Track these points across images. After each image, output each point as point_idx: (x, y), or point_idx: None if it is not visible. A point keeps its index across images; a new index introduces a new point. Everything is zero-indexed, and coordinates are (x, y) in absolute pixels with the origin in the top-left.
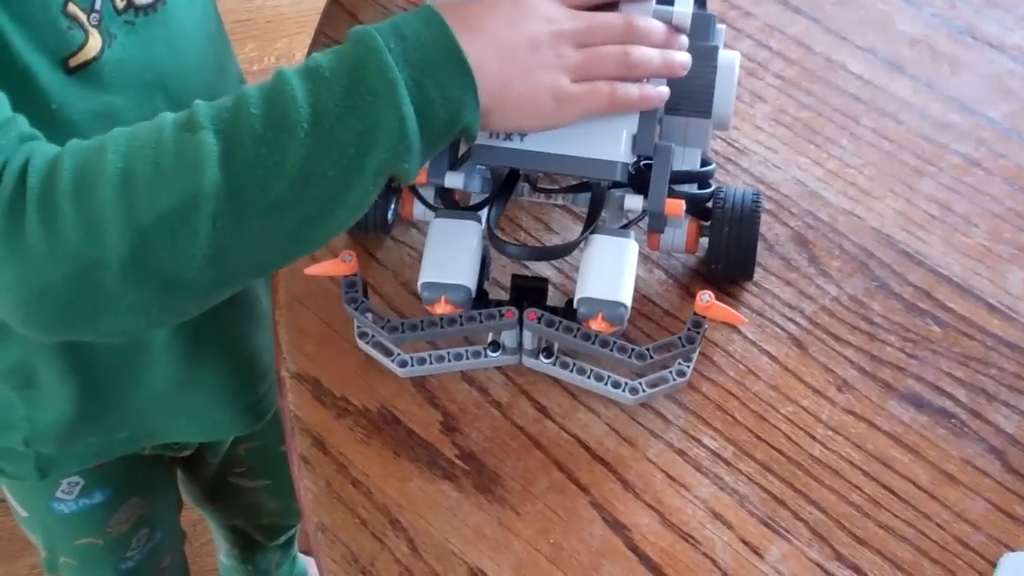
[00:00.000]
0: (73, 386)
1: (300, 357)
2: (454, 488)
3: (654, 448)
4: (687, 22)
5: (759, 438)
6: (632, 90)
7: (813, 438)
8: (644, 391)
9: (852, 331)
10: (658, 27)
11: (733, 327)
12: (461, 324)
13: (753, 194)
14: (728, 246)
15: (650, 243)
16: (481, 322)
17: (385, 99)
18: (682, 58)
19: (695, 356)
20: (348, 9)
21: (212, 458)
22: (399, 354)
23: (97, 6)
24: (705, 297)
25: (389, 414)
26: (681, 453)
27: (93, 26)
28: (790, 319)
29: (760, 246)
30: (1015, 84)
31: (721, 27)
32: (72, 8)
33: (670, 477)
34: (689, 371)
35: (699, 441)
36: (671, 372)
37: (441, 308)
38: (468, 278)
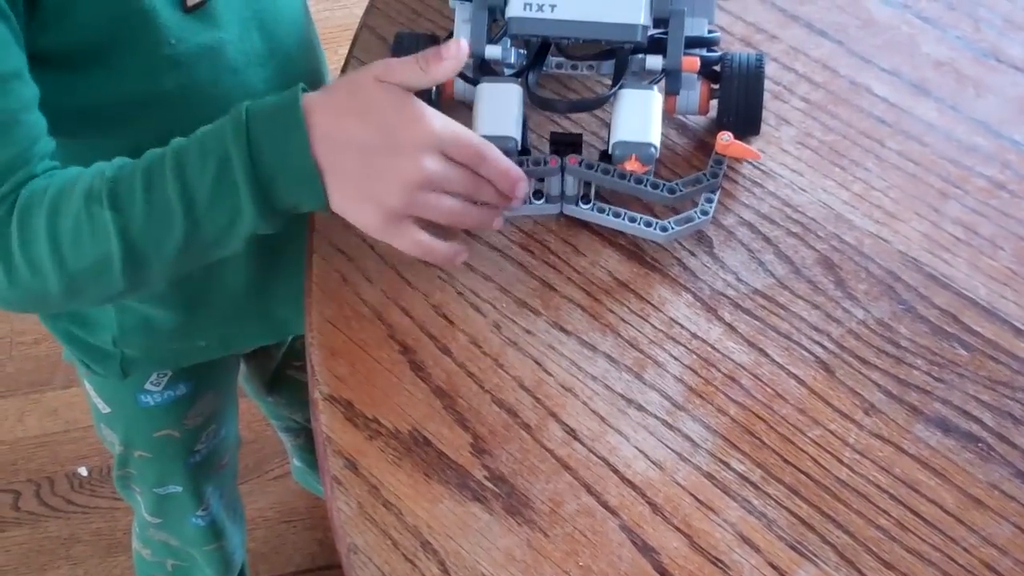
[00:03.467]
0: (162, 297)
1: (332, 379)
2: (484, 510)
3: (682, 471)
4: None
5: (787, 461)
6: (440, 247)
7: (840, 462)
8: (673, 228)
9: (879, 354)
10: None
11: (761, 350)
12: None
13: (756, 57)
14: (738, 101)
15: (667, 106)
16: (528, 167)
17: (236, 198)
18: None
19: (716, 194)
20: (379, 34)
21: (275, 350)
22: None
23: None
24: (725, 137)
25: (420, 436)
26: (709, 476)
27: None
28: (817, 342)
29: (786, 269)
30: None
31: None
32: None
33: (698, 500)
34: (711, 209)
35: (727, 464)
36: (696, 211)
37: None
38: (514, 130)
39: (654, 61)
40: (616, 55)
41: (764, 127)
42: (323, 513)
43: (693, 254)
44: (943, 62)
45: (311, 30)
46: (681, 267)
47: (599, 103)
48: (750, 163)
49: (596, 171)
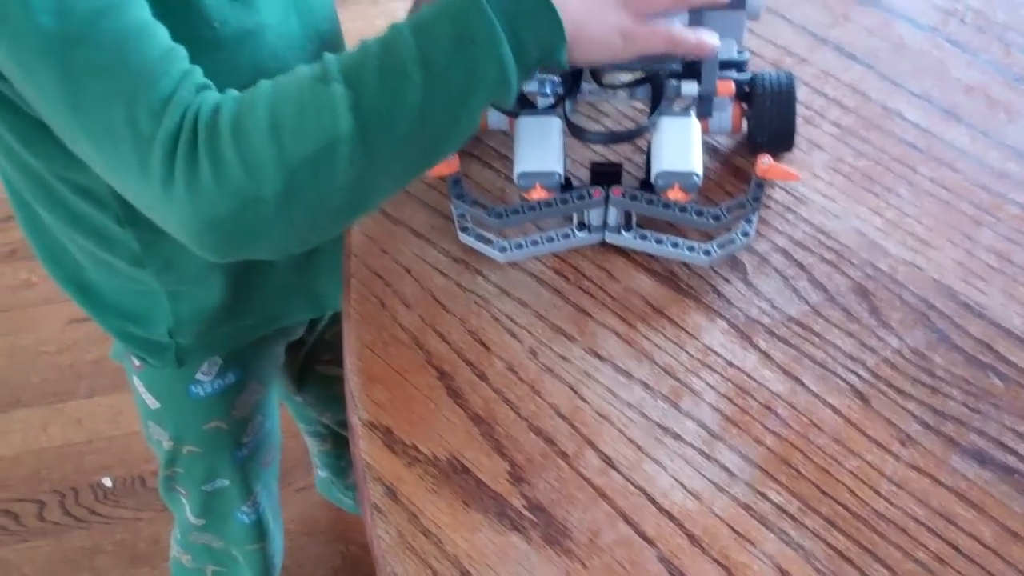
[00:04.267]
0: (216, 279)
1: (371, 405)
2: (522, 539)
3: (720, 502)
4: None
5: (824, 493)
6: (689, 34)
7: (878, 493)
8: (716, 252)
9: (914, 384)
10: None
11: (797, 378)
12: (555, 205)
13: (787, 75)
14: (771, 120)
15: (702, 128)
16: (573, 202)
17: (486, 47)
18: None
19: (756, 216)
20: None
21: (308, 336)
22: (498, 242)
23: None
24: (765, 161)
25: (458, 463)
26: (747, 507)
27: None
28: (852, 371)
29: (821, 296)
30: None
31: None
32: None
33: (736, 532)
34: (752, 230)
35: (764, 495)
36: (736, 234)
37: (537, 193)
38: (557, 165)
39: (689, 87)
40: (652, 82)
41: (796, 152)
42: (346, 526)
43: (727, 280)
44: (974, 87)
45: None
46: (715, 294)
47: (639, 133)
48: (783, 188)
49: (640, 201)
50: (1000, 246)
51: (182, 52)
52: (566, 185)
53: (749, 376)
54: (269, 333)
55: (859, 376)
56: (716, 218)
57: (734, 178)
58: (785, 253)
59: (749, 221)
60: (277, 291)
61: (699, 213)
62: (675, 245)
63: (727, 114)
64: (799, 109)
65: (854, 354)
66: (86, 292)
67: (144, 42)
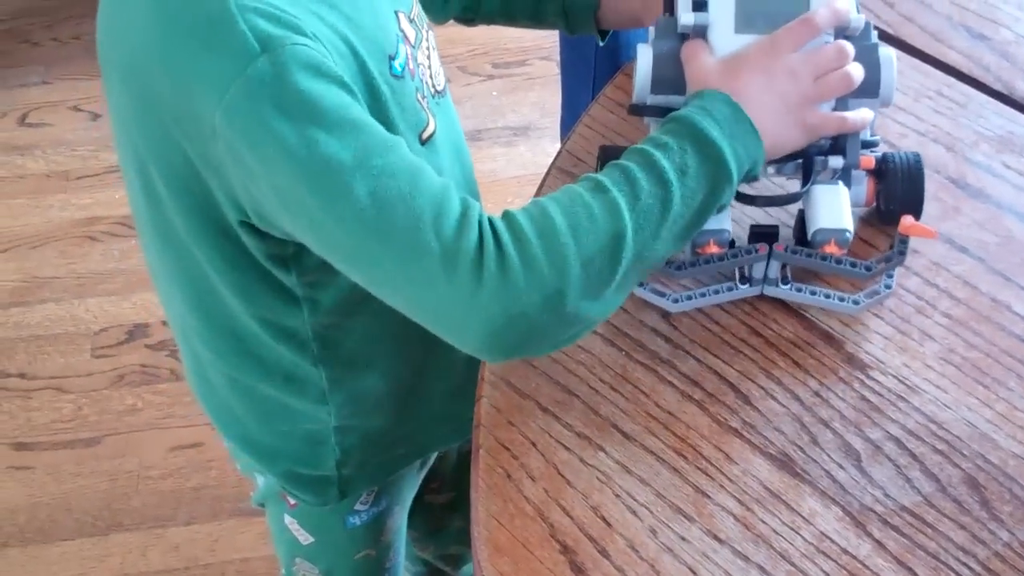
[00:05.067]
0: (383, 408)
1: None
2: None
3: None
4: (860, 26)
5: None
6: (854, 115)
7: None
8: (863, 301)
9: None
10: (850, 47)
11: (910, 569)
12: (727, 260)
13: (915, 155)
14: (902, 191)
15: None
16: (742, 255)
17: (722, 163)
18: (857, 72)
19: (896, 270)
20: None
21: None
22: (670, 295)
23: (424, 93)
24: (908, 219)
25: None
26: None
27: (426, 108)
28: (964, 563)
29: (932, 487)
30: None
31: (873, 30)
32: (419, 96)
33: None
34: (893, 282)
35: None
36: (880, 285)
37: (711, 248)
38: (727, 224)
39: (836, 161)
40: (803, 157)
41: (909, 342)
42: None
43: (841, 467)
44: None
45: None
46: (830, 479)
47: (794, 199)
48: (895, 376)
49: (800, 255)
50: None
51: (450, 182)
52: (731, 244)
53: (863, 564)
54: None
55: (971, 569)
56: (868, 268)
57: (871, 237)
58: (898, 442)
59: (890, 275)
60: (434, 419)
61: (853, 264)
62: (827, 296)
63: (863, 188)
64: (911, 299)
65: (966, 546)
66: (252, 444)
67: (425, 170)
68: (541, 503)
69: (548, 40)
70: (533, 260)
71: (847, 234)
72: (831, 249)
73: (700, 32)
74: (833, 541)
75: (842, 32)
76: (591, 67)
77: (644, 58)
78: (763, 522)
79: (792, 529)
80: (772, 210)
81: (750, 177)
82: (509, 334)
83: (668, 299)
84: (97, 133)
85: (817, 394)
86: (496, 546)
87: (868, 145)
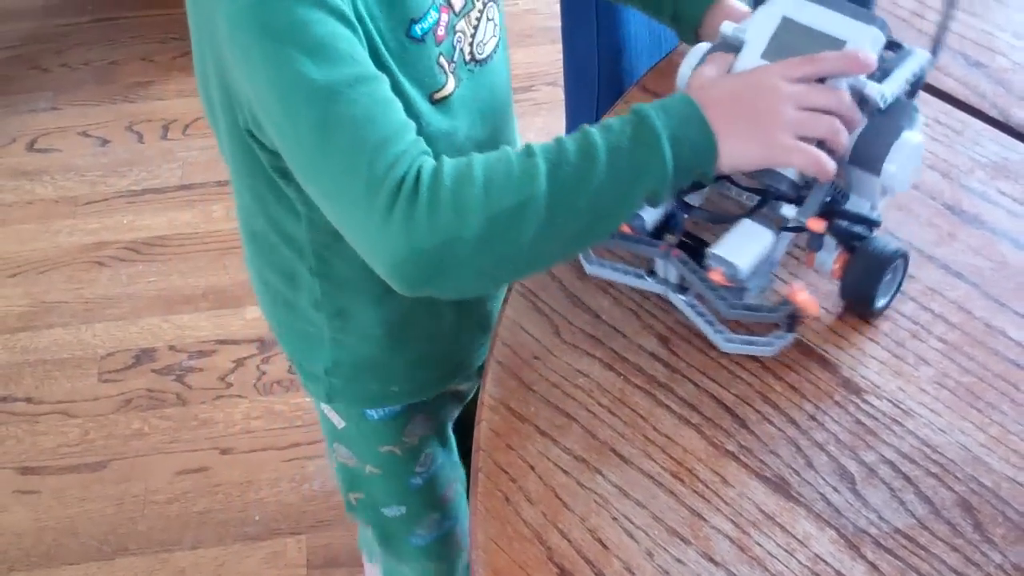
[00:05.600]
0: (374, 342)
1: None
2: None
3: None
4: (880, 98)
5: None
6: (825, 161)
7: None
8: (735, 343)
9: None
10: (855, 107)
11: None
12: (628, 241)
13: (898, 249)
14: (858, 277)
15: (807, 260)
16: (643, 245)
17: (656, 147)
18: (841, 135)
19: (791, 336)
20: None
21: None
22: (593, 256)
23: (455, 58)
24: (798, 285)
25: None
26: None
27: (450, 72)
28: None
29: (926, 510)
30: None
31: (919, 117)
32: (441, 60)
33: None
34: (776, 347)
35: None
36: (760, 339)
37: (623, 228)
38: (648, 215)
39: (788, 209)
40: (763, 193)
41: (904, 366)
42: None
43: (836, 490)
44: None
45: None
46: (825, 502)
47: (723, 221)
48: (890, 400)
49: (688, 267)
50: None
51: (413, 125)
52: (656, 237)
53: None
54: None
55: None
56: (731, 306)
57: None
58: (892, 465)
59: (780, 338)
60: (423, 362)
61: (722, 298)
62: (709, 322)
63: (831, 257)
64: (906, 324)
65: (959, 569)
66: (274, 327)
67: (390, 109)
68: (539, 526)
69: (554, 66)
70: (439, 204)
71: (734, 269)
72: (716, 276)
73: (734, 47)
74: (827, 563)
75: (857, 95)
76: (595, 93)
77: (682, 71)
78: (758, 544)
79: (787, 552)
80: None
81: (702, 178)
82: (410, 267)
83: (586, 259)
84: (105, 159)
85: (813, 417)
86: (495, 569)
87: (867, 222)
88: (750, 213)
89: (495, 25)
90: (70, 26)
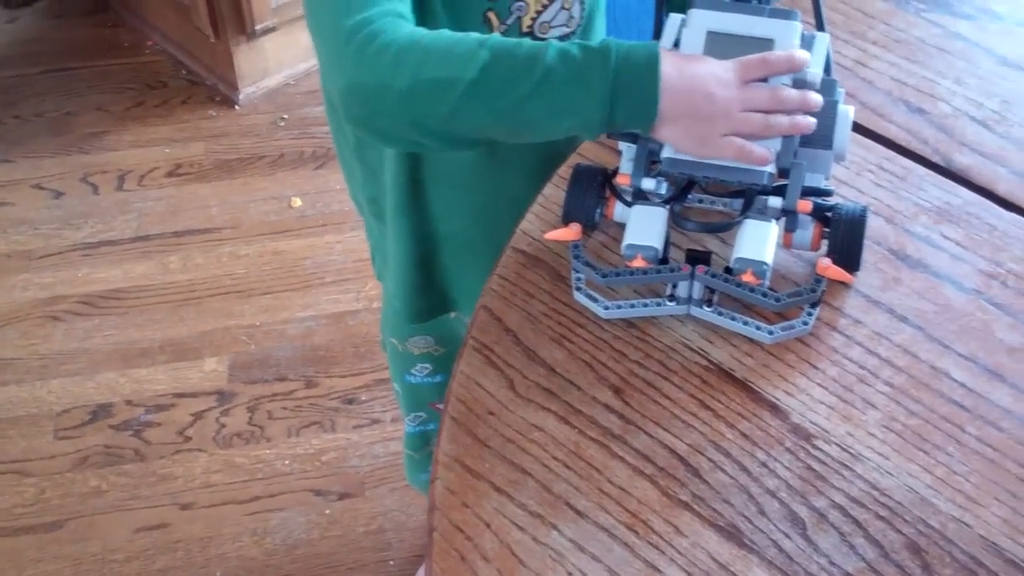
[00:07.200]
0: (397, 233)
1: None
2: None
3: None
4: (817, 82)
5: None
6: (756, 149)
7: None
8: (778, 333)
9: None
10: (793, 95)
11: None
12: (650, 274)
13: (861, 208)
14: (843, 241)
15: (784, 241)
16: (664, 272)
17: (595, 95)
18: (805, 122)
19: (817, 309)
20: (496, 316)
21: None
22: (603, 301)
23: (508, 21)
24: (824, 261)
25: None
26: None
27: (498, 32)
28: None
29: (876, 553)
30: None
31: (841, 88)
32: (490, 15)
33: None
34: (812, 321)
35: None
36: (798, 322)
37: (637, 262)
38: (656, 242)
39: (775, 201)
40: (745, 194)
41: (852, 410)
42: None
43: (788, 536)
44: (1016, 348)
45: None
46: (777, 549)
47: (726, 228)
48: (839, 445)
49: (719, 279)
50: None
51: (403, 8)
52: (663, 262)
53: None
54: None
55: None
56: (777, 300)
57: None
58: (842, 509)
59: (810, 314)
60: (401, 285)
61: (764, 295)
62: (745, 323)
63: (808, 232)
64: (854, 368)
65: None
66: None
67: None
68: None
69: None
70: (384, 53)
71: (764, 266)
72: (748, 278)
73: None
74: None
75: (802, 84)
76: None
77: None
78: None
79: None
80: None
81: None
82: (349, 96)
83: (600, 305)
84: (60, 211)
85: (764, 464)
86: None
87: (823, 193)
88: (745, 213)
89: (571, 17)
90: (21, 77)
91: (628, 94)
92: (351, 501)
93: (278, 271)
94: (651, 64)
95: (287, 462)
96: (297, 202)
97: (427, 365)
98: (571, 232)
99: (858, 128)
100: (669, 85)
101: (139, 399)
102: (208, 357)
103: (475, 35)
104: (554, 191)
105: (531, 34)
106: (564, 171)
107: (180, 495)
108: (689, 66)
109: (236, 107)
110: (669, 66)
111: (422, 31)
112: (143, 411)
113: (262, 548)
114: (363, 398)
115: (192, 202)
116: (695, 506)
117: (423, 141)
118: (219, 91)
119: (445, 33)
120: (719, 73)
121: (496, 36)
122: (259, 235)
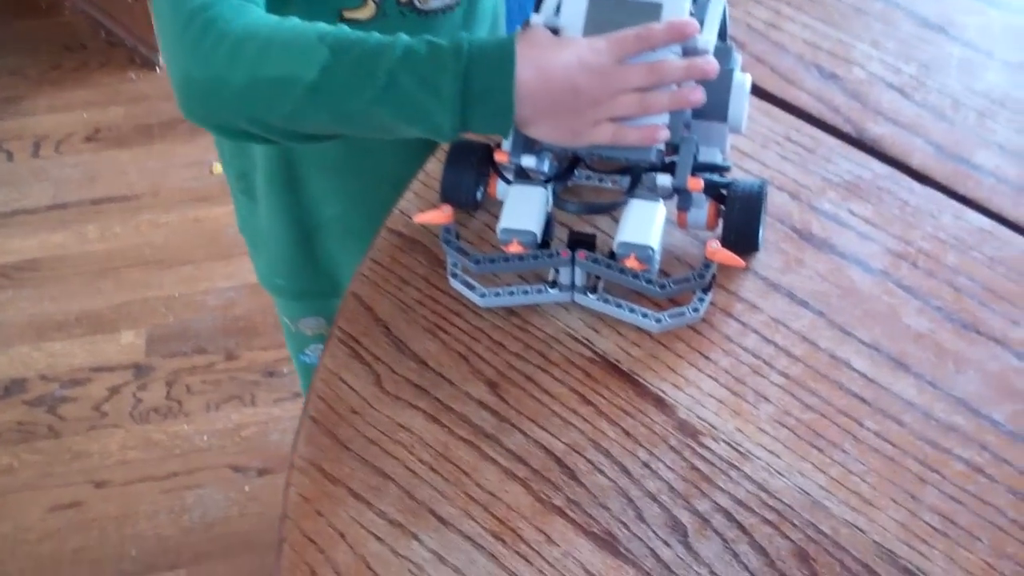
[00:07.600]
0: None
1: None
2: None
3: None
4: (710, 49)
5: None
6: (631, 132)
7: None
8: (666, 321)
9: None
10: (675, 66)
11: None
12: (527, 260)
13: (759, 184)
14: (739, 220)
15: (679, 220)
16: (543, 259)
17: (440, 106)
18: (691, 93)
19: (709, 294)
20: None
21: None
22: (480, 288)
23: None
24: (714, 245)
25: None
26: None
27: (375, 2)
28: None
29: (761, 561)
30: (1020, 383)
31: (737, 55)
32: None
33: None
34: (703, 307)
35: None
36: (688, 308)
37: (513, 248)
38: (535, 226)
39: (664, 179)
40: (632, 171)
41: (743, 404)
42: None
43: (667, 544)
44: (923, 334)
45: None
46: (655, 559)
47: (611, 208)
48: (728, 443)
49: (600, 264)
50: (944, 506)
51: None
52: (544, 247)
53: None
54: None
55: None
56: (662, 287)
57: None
58: (727, 514)
59: (701, 300)
60: (280, 259)
61: (648, 281)
62: (632, 311)
63: (703, 211)
64: (748, 359)
65: None
66: None
67: None
68: None
69: None
70: (220, 46)
71: (649, 251)
72: (631, 263)
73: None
74: None
75: (692, 53)
76: None
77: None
78: None
79: None
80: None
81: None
82: (184, 90)
83: (477, 293)
84: None
85: (646, 465)
86: None
87: (718, 169)
88: (631, 192)
89: None
90: None
91: (481, 101)
92: (271, 477)
93: (198, 240)
94: (504, 67)
95: (205, 437)
96: (218, 168)
97: (320, 346)
98: (442, 215)
99: (766, 96)
100: (526, 90)
101: (53, 374)
102: (125, 330)
103: (318, 26)
104: (437, 167)
105: (410, 5)
106: (448, 146)
107: (95, 472)
108: (550, 60)
109: (157, 70)
110: (525, 67)
111: (263, 19)
112: (58, 386)
113: (179, 526)
114: (284, 371)
115: (110, 168)
116: (569, 512)
117: (268, 136)
118: (139, 53)
119: (287, 23)
120: (587, 58)
121: (340, 28)
122: (179, 202)
